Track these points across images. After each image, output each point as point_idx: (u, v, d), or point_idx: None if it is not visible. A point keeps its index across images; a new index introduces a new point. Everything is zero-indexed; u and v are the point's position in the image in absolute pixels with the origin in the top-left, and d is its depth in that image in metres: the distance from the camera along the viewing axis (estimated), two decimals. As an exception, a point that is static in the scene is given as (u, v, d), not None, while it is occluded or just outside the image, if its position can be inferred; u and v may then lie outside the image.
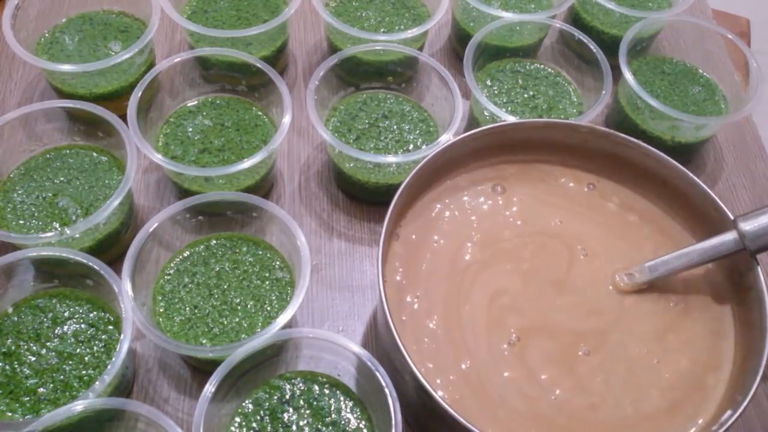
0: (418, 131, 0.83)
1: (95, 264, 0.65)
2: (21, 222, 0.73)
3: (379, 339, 0.72)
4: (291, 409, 0.63)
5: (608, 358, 0.63)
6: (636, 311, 0.66)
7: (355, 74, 0.86)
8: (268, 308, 0.69)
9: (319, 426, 0.63)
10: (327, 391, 0.65)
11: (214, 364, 0.61)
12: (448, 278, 0.66)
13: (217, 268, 0.71)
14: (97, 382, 0.59)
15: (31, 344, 0.65)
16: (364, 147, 0.81)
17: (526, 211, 0.71)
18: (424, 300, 0.65)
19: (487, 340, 0.63)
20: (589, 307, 0.66)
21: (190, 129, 0.81)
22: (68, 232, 0.68)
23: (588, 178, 0.74)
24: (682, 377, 0.62)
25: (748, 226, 0.63)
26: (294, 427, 0.62)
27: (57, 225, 0.73)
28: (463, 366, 0.62)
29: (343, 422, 0.63)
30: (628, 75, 0.83)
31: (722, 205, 0.66)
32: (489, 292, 0.66)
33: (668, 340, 0.64)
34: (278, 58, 0.92)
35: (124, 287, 0.63)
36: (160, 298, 0.69)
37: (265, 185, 0.82)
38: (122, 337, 0.61)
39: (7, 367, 0.64)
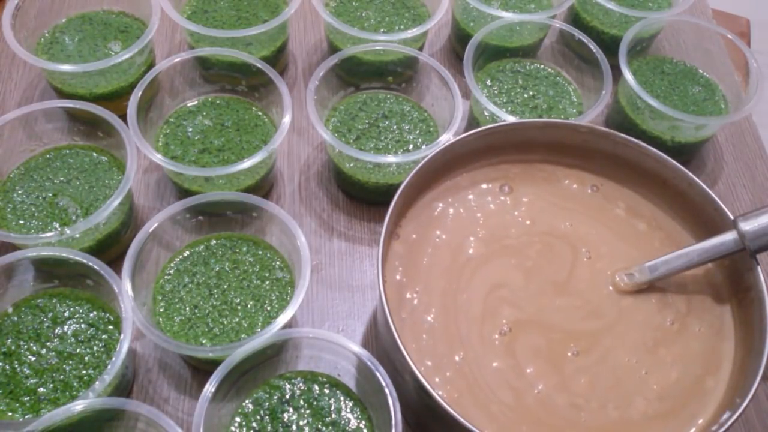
0: (418, 131, 0.83)
1: (95, 264, 0.65)
2: (21, 222, 0.73)
3: (379, 339, 0.72)
4: (291, 409, 0.63)
5: (596, 361, 0.63)
6: (632, 318, 0.66)
7: (355, 74, 0.86)
8: (268, 308, 0.69)
9: (319, 426, 0.63)
10: (327, 391, 0.65)
11: (214, 364, 0.61)
12: (448, 270, 0.67)
13: (217, 268, 0.71)
14: (97, 382, 0.59)
15: (31, 344, 0.65)
16: (364, 147, 0.81)
17: (535, 212, 0.71)
18: (423, 294, 0.65)
19: (479, 329, 0.64)
20: (587, 310, 0.66)
21: (190, 129, 0.81)
22: (68, 232, 0.68)
23: (591, 180, 0.74)
24: (671, 389, 0.62)
25: (748, 226, 0.63)
26: (294, 427, 0.62)
27: (57, 225, 0.73)
28: (457, 358, 0.62)
29: (343, 422, 0.63)
30: (628, 75, 0.83)
31: (722, 205, 0.66)
32: (488, 284, 0.66)
33: (660, 353, 0.64)
34: (278, 58, 0.92)
35: (124, 287, 0.63)
36: (160, 298, 0.69)
37: (265, 185, 0.82)
38: (122, 337, 0.61)
39: (7, 367, 0.64)
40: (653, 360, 0.63)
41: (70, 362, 0.64)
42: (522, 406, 0.60)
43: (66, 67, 0.80)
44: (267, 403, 0.64)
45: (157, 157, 0.72)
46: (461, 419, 0.53)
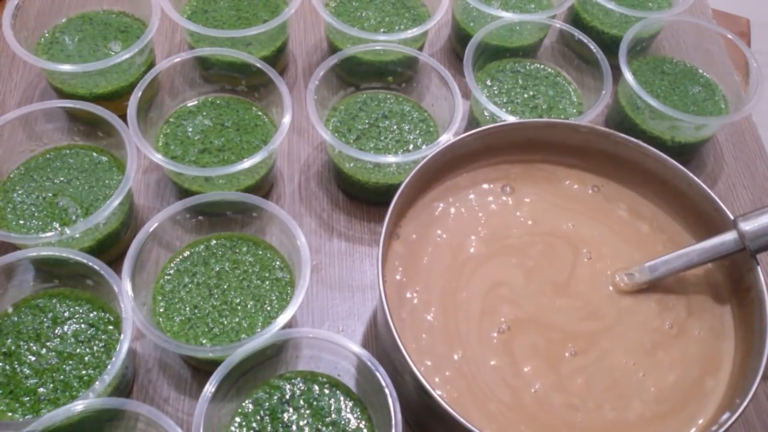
0: (418, 131, 0.83)
1: (95, 264, 0.65)
2: (21, 222, 0.73)
3: (379, 339, 0.72)
4: (291, 409, 0.63)
5: (594, 362, 0.63)
6: (631, 319, 0.66)
7: (355, 74, 0.86)
8: (268, 308, 0.69)
9: (319, 426, 0.63)
10: (327, 391, 0.65)
11: (214, 364, 0.61)
12: (449, 269, 0.67)
13: (217, 268, 0.71)
14: (97, 382, 0.59)
15: (31, 344, 0.65)
16: (364, 147, 0.81)
17: (537, 212, 0.71)
18: (423, 293, 0.65)
19: (478, 327, 0.64)
20: (586, 311, 0.66)
21: (190, 129, 0.81)
22: (68, 232, 0.68)
23: (591, 180, 0.74)
24: (669, 392, 0.62)
25: (748, 226, 0.63)
26: (294, 427, 0.62)
27: (57, 225, 0.73)
28: (456, 356, 0.62)
29: (343, 422, 0.63)
30: (628, 75, 0.83)
31: (722, 205, 0.66)
32: (489, 282, 0.66)
33: (658, 356, 0.64)
34: (278, 58, 0.92)
35: (124, 287, 0.63)
36: (160, 298, 0.69)
37: (265, 185, 0.82)
38: (122, 337, 0.61)
39: (7, 367, 0.64)
40: (651, 363, 0.63)
41: (70, 362, 0.64)
42: (519, 406, 0.60)
43: (66, 67, 0.80)
44: (267, 403, 0.64)
45: (157, 157, 0.72)
46: (461, 419, 0.53)
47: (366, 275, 0.78)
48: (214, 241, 0.73)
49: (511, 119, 0.77)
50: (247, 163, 0.73)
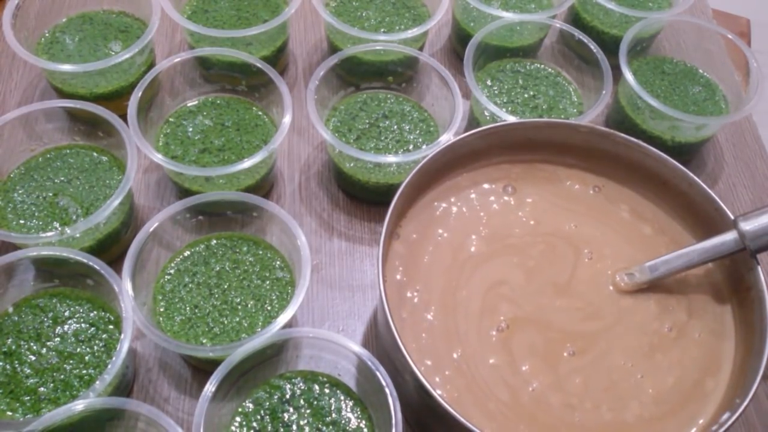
0: (418, 131, 0.83)
1: (95, 264, 0.65)
2: (21, 222, 0.73)
3: (379, 338, 0.72)
4: (291, 409, 0.63)
5: (592, 363, 0.63)
6: (630, 320, 0.66)
7: (355, 74, 0.86)
8: (269, 308, 0.69)
9: (320, 426, 0.63)
10: (327, 391, 0.65)
11: (215, 363, 0.61)
12: (449, 268, 0.67)
13: (218, 268, 0.71)
14: (97, 382, 0.59)
15: (32, 344, 0.65)
16: (364, 147, 0.81)
17: (539, 213, 0.71)
18: (423, 292, 0.65)
19: (477, 325, 0.64)
20: (586, 312, 0.66)
21: (190, 129, 0.81)
22: (68, 231, 0.68)
23: (592, 180, 0.74)
24: (667, 393, 0.62)
25: (748, 225, 0.63)
26: (294, 427, 0.62)
27: (57, 225, 0.73)
28: (455, 355, 0.62)
29: (343, 422, 0.63)
30: (628, 75, 0.83)
31: (722, 205, 0.66)
32: (489, 281, 0.66)
33: (656, 358, 0.64)
34: (278, 58, 0.92)
35: (125, 287, 0.63)
36: (160, 297, 0.69)
37: (265, 185, 0.82)
38: (122, 336, 0.61)
39: (8, 367, 0.64)
40: (649, 364, 0.63)
41: (71, 362, 0.64)
42: (518, 404, 0.60)
43: (66, 67, 0.80)
44: (267, 403, 0.64)
45: (158, 157, 0.72)
46: (462, 419, 0.53)
47: (366, 275, 0.79)
48: (215, 241, 0.73)
49: (511, 119, 0.77)
50: (247, 163, 0.73)
